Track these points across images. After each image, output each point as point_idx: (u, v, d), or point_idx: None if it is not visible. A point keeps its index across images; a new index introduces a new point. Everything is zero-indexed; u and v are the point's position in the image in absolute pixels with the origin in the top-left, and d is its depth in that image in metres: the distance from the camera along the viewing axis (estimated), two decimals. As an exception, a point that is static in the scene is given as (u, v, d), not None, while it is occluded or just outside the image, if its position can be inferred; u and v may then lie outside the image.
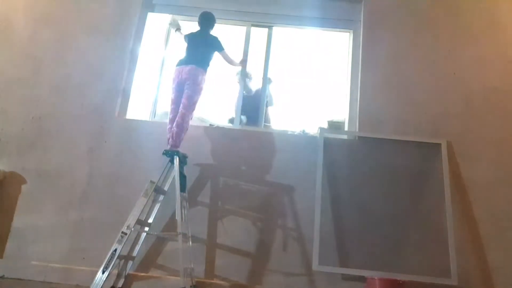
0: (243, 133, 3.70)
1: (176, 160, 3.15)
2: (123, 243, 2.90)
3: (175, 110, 3.35)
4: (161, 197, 3.36)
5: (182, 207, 3.07)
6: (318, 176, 3.36)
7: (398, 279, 2.94)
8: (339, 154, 3.52)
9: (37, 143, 3.65)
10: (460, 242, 3.21)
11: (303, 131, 3.98)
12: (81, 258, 3.33)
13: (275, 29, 4.18)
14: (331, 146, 3.52)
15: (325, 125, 3.93)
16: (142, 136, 3.66)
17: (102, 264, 2.87)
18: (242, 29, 4.13)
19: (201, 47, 3.53)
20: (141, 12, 4.06)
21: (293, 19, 4.07)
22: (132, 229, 2.96)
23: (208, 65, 3.50)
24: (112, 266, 2.87)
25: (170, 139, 3.25)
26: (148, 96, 4.06)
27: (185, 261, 2.98)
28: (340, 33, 4.20)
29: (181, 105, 3.31)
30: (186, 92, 3.32)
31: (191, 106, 3.31)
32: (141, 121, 3.79)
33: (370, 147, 3.52)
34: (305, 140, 3.67)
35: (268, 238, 3.35)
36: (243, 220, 3.39)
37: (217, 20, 3.81)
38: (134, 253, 3.26)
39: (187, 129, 3.31)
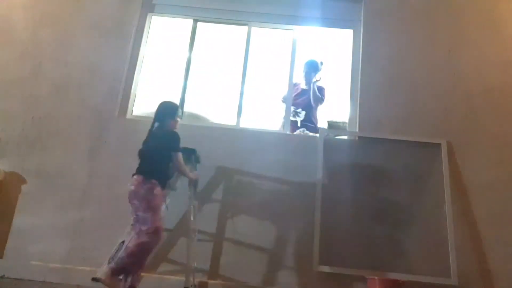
0: (243, 133, 3.70)
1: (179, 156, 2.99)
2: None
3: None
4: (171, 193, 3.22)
5: (192, 204, 3.05)
6: (318, 176, 3.36)
7: (398, 279, 2.94)
8: (339, 154, 3.52)
9: (37, 143, 3.65)
10: (460, 242, 3.21)
11: (303, 131, 3.98)
12: (81, 258, 3.33)
13: (275, 29, 4.18)
14: (331, 146, 3.52)
15: (325, 126, 3.93)
16: (142, 136, 3.62)
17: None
18: (243, 29, 4.13)
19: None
20: (141, 12, 4.06)
21: (293, 19, 4.06)
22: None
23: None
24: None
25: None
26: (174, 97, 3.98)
27: (192, 259, 2.97)
28: (340, 33, 4.20)
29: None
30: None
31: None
32: (141, 121, 3.78)
33: (370, 147, 3.52)
34: (305, 140, 3.67)
35: (268, 238, 3.34)
36: (245, 219, 3.39)
37: (217, 20, 3.77)
38: None
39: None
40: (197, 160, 3.26)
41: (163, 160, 2.89)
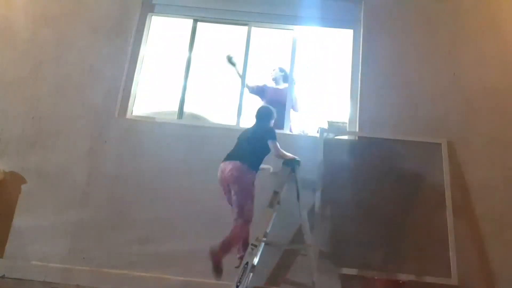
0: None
1: (297, 170, 3.05)
2: (253, 256, 2.75)
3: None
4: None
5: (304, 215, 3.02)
6: (318, 176, 3.36)
7: (398, 279, 2.94)
8: (339, 154, 3.52)
9: (37, 143, 3.65)
10: (460, 242, 3.20)
11: (303, 131, 3.98)
12: (81, 258, 3.33)
13: (275, 29, 4.19)
14: (331, 146, 3.52)
15: (325, 126, 3.93)
16: (142, 136, 3.66)
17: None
18: (243, 29, 4.13)
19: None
20: (141, 12, 4.06)
21: (293, 19, 4.06)
22: (264, 240, 2.84)
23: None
24: (246, 280, 2.68)
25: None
26: (174, 97, 4.03)
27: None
28: (340, 34, 4.20)
29: (232, 213, 2.88)
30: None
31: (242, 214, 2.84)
32: (141, 121, 3.79)
33: (370, 147, 3.51)
34: (305, 140, 3.67)
35: (269, 238, 3.34)
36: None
37: (217, 20, 3.75)
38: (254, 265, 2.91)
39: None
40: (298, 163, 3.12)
41: (262, 154, 3.03)
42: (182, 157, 3.55)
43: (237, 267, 2.76)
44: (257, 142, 3.02)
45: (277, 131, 3.86)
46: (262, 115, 3.25)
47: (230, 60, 3.97)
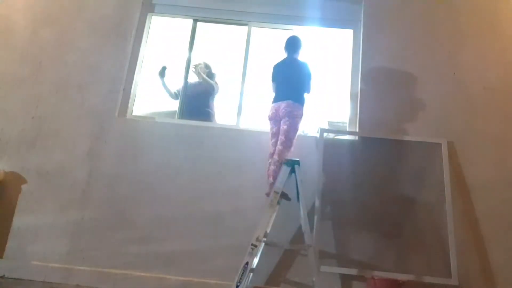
0: (243, 133, 3.69)
1: (297, 170, 3.07)
2: (253, 256, 2.78)
3: (274, 144, 3.28)
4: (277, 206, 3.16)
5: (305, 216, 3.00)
6: (318, 176, 3.36)
7: (398, 279, 2.94)
8: (339, 154, 3.52)
9: (37, 143, 3.65)
10: (460, 242, 3.21)
11: (303, 131, 3.98)
12: (81, 258, 3.33)
13: (275, 29, 4.19)
14: (331, 146, 3.52)
15: (325, 126, 3.93)
16: (142, 136, 3.66)
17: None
18: (243, 29, 4.13)
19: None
20: (141, 12, 4.06)
21: (293, 19, 4.06)
22: (264, 240, 2.85)
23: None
24: (246, 280, 2.71)
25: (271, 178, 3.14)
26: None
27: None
28: (340, 34, 4.20)
29: (278, 140, 3.22)
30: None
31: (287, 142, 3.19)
32: (141, 121, 3.79)
33: (370, 147, 3.52)
34: (305, 140, 3.66)
35: (269, 238, 3.34)
36: (242, 220, 3.39)
37: (217, 20, 3.74)
38: (253, 265, 2.92)
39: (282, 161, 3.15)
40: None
41: (303, 86, 3.36)
42: (182, 157, 3.56)
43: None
44: (297, 80, 3.36)
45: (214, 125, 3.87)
46: (292, 45, 3.52)
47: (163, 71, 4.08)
